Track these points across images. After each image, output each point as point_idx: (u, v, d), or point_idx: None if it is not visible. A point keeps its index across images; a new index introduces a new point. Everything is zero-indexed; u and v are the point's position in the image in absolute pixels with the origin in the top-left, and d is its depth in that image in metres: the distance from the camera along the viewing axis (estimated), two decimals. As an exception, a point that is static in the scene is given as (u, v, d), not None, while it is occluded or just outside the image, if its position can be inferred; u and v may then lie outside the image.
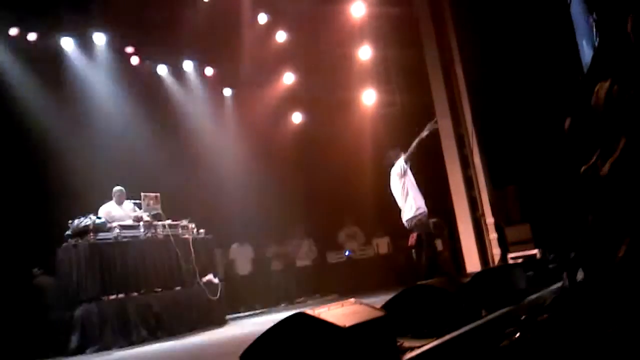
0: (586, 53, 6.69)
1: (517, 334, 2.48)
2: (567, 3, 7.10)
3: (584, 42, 6.75)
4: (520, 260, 8.57)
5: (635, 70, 2.47)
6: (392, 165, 7.55)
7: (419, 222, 7.10)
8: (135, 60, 11.42)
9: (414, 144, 7.37)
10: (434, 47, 10.38)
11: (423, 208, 7.26)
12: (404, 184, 7.20)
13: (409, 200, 7.17)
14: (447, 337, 3.67)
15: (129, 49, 11.28)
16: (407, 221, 7.25)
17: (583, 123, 2.76)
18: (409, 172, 7.32)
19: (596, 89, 2.68)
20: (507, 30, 9.10)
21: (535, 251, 9.03)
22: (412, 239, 7.12)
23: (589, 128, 2.69)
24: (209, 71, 12.77)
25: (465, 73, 10.07)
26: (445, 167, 10.26)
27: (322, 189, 12.53)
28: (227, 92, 13.43)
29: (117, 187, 8.57)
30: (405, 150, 7.58)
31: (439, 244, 12.08)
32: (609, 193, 2.46)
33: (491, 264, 9.50)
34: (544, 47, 8.28)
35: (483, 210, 9.81)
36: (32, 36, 9.89)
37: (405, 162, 7.25)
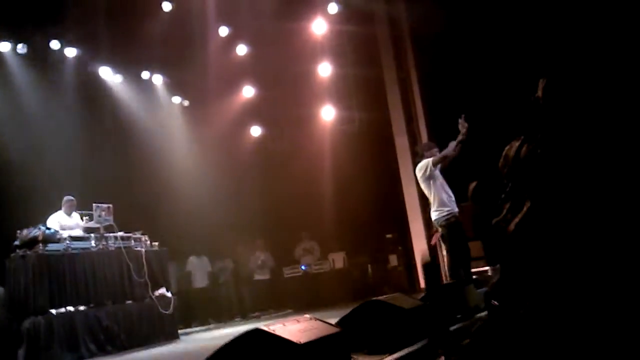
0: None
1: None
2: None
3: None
4: (473, 277, 8.71)
5: (544, 131, 2.61)
6: (420, 161, 7.02)
7: (442, 224, 6.80)
8: (89, 69, 11.22)
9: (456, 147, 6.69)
10: (393, 66, 10.58)
11: (450, 209, 6.78)
12: (430, 185, 6.77)
13: (436, 202, 6.77)
14: (400, 353, 3.72)
15: (85, 58, 11.09)
16: (434, 221, 6.97)
17: (488, 187, 2.93)
18: (437, 174, 6.81)
19: (505, 151, 2.79)
20: (464, 51, 9.34)
21: (487, 268, 9.20)
22: (435, 238, 6.89)
23: (496, 190, 2.80)
24: (166, 82, 12.64)
25: (422, 92, 10.28)
26: (401, 185, 10.40)
27: (280, 203, 12.52)
28: (185, 103, 13.30)
29: (68, 197, 8.32)
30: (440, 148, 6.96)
31: (393, 259, 12.24)
32: (514, 250, 2.59)
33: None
34: (501, 68, 8.51)
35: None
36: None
37: (434, 165, 6.74)
